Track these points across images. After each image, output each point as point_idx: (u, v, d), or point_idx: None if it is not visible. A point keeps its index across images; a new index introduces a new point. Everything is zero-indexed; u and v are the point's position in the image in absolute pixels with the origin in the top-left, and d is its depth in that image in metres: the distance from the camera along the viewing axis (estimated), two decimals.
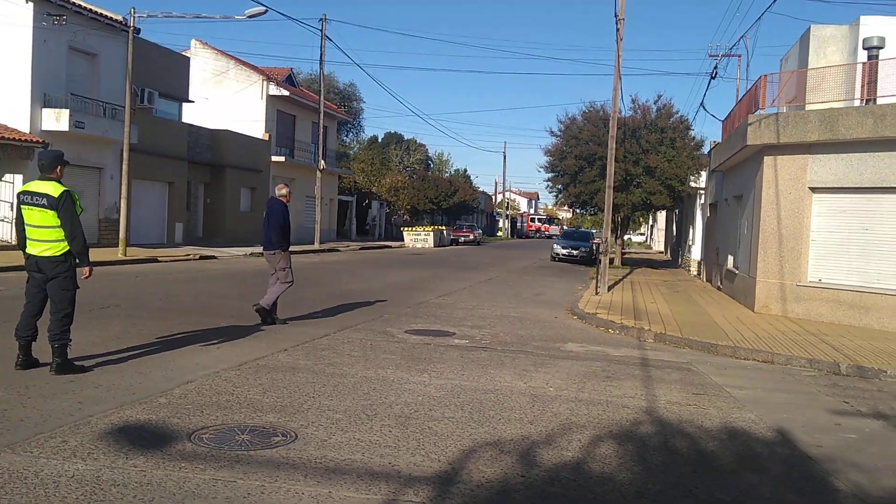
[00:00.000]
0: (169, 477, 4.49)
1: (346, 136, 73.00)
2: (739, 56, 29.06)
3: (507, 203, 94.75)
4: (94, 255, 19.83)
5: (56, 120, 22.80)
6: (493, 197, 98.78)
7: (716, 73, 23.01)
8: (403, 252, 37.91)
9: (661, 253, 55.43)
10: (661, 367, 9.47)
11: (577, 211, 41.44)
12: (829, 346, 11.33)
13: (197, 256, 24.26)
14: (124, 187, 23.08)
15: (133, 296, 13.58)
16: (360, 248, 37.37)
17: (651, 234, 78.82)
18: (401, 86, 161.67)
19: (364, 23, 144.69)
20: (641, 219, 71.28)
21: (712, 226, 24.70)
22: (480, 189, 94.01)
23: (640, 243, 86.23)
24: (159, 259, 22.43)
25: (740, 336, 11.98)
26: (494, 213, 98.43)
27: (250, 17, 22.21)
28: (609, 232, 19.47)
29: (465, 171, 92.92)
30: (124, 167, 22.91)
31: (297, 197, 38.95)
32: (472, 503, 4.45)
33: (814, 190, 14.61)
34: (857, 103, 15.97)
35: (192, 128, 31.05)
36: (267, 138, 36.40)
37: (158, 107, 27.96)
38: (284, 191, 11.37)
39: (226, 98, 36.58)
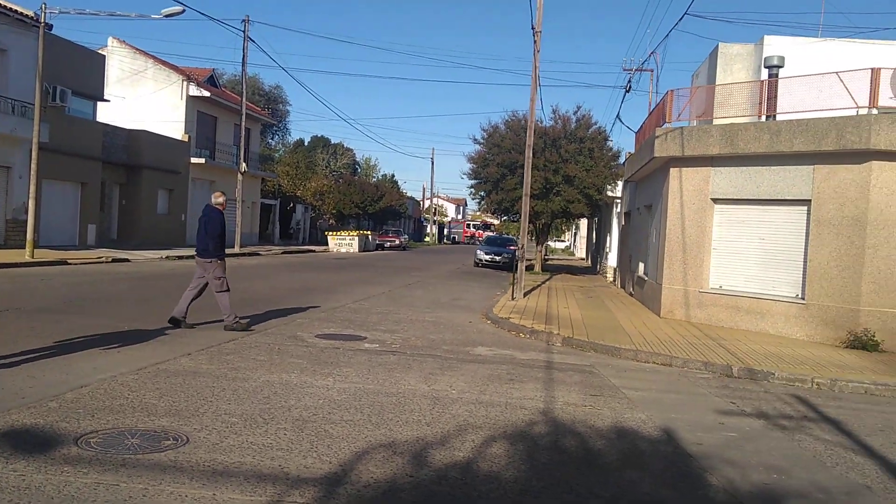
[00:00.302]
0: (49, 481, 4.45)
1: (272, 138, 72.15)
2: (652, 71, 30.05)
3: (435, 209, 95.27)
4: (0, 256, 19.16)
5: None
6: (422, 202, 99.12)
7: (630, 87, 23.82)
8: (326, 256, 37.70)
9: (583, 260, 56.59)
10: (564, 370, 9.76)
11: (503, 218, 42.02)
12: (725, 349, 11.86)
13: (109, 259, 23.59)
14: (33, 187, 22.30)
15: (36, 298, 13.18)
16: (282, 253, 36.96)
17: (574, 241, 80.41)
18: (329, 90, 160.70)
19: (289, 25, 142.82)
20: (564, 226, 72.64)
21: (626, 234, 25.45)
22: (409, 194, 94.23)
23: (563, 249, 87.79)
24: (69, 261, 21.75)
25: (643, 340, 12.42)
26: (422, 219, 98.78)
27: (167, 16, 21.77)
28: (526, 238, 19.85)
29: (393, 176, 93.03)
30: (33, 166, 22.13)
31: None
32: (356, 503, 4.55)
33: (715, 201, 15.27)
34: (762, 119, 16.77)
35: (107, 127, 30.20)
36: (186, 139, 35.69)
37: (71, 105, 27.07)
38: (221, 199, 11.33)
39: (144, 98, 35.71)
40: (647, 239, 19.35)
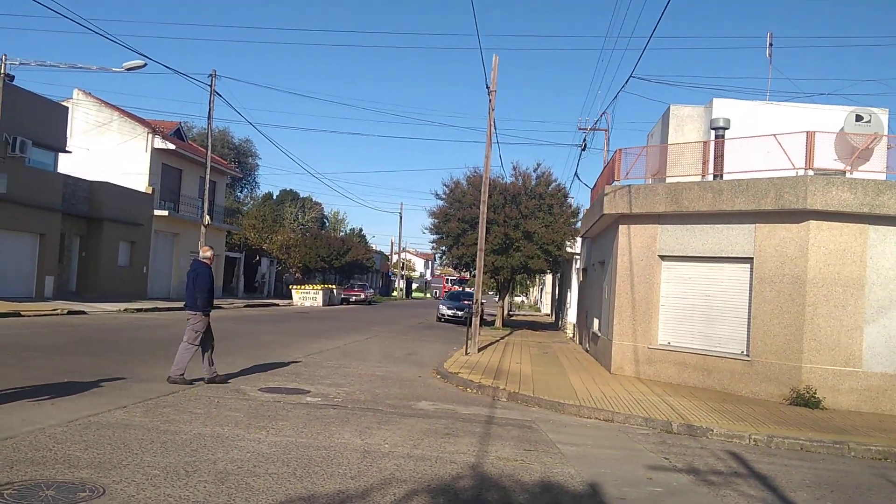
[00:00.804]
0: None
1: (241, 192, 72.20)
2: (606, 130, 30.83)
3: (403, 263, 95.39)
4: None
5: None
6: (390, 257, 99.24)
7: (585, 145, 24.37)
8: (289, 310, 37.49)
9: (548, 315, 56.85)
10: (504, 425, 9.80)
11: (464, 273, 42.28)
12: (668, 405, 11.99)
13: (65, 311, 23.28)
14: None
15: None
16: (244, 306, 36.69)
17: (540, 296, 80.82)
18: (299, 144, 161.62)
19: (257, 81, 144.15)
20: (528, 281, 73.07)
21: (583, 290, 25.73)
22: (377, 249, 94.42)
23: (530, 305, 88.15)
24: (22, 313, 21.41)
25: (589, 395, 12.52)
26: (390, 273, 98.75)
27: (129, 69, 22.00)
28: (480, 293, 20.01)
29: (361, 230, 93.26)
30: None
31: (181, 252, 38.13)
32: None
33: (663, 258, 15.58)
34: (709, 178, 17.26)
35: (68, 179, 30.08)
36: (150, 191, 35.61)
37: (32, 156, 26.97)
38: (209, 253, 11.72)
39: (109, 150, 35.68)
40: (601, 295, 19.60)
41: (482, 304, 22.83)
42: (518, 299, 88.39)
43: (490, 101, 18.76)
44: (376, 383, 12.64)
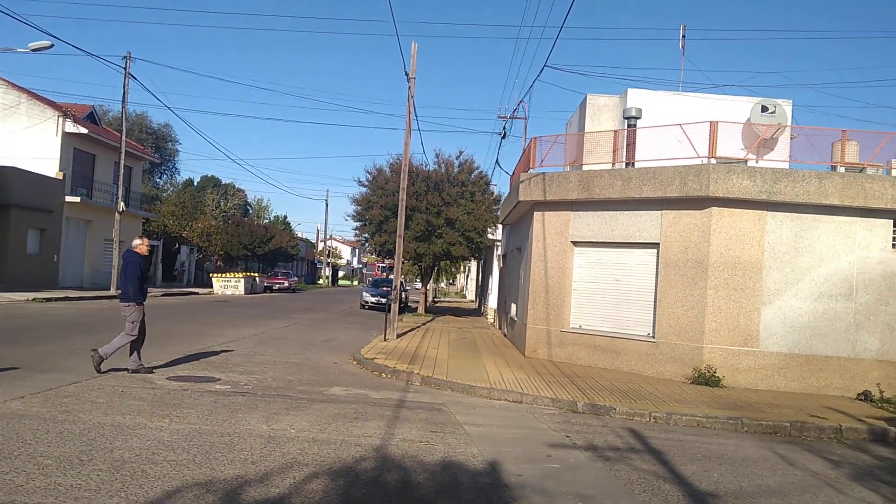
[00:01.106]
0: None
1: (160, 178, 70.28)
2: (524, 118, 31.28)
3: (329, 251, 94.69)
4: None
5: None
6: (316, 244, 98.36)
7: (505, 133, 24.67)
8: (209, 299, 36.82)
9: (473, 302, 57.40)
10: (414, 408, 9.94)
11: (388, 260, 42.22)
12: (575, 386, 12.35)
13: None
14: None
15: None
16: (161, 295, 35.84)
17: (466, 283, 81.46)
18: (221, 130, 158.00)
19: (176, 65, 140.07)
20: (453, 268, 73.55)
21: (503, 276, 26.13)
22: (303, 236, 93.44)
23: (456, 292, 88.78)
24: None
25: (501, 378, 12.79)
26: (316, 261, 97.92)
27: (35, 50, 21.13)
28: (399, 279, 20.10)
29: (286, 217, 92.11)
30: None
31: (95, 240, 36.96)
32: None
33: (575, 244, 15.99)
34: (621, 166, 17.73)
35: None
36: (61, 177, 34.35)
37: None
38: (137, 241, 11.53)
39: (16, 133, 34.24)
40: (519, 280, 19.96)
41: (405, 290, 23.01)
42: (443, 285, 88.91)
43: (409, 87, 18.80)
44: (290, 370, 12.61)
